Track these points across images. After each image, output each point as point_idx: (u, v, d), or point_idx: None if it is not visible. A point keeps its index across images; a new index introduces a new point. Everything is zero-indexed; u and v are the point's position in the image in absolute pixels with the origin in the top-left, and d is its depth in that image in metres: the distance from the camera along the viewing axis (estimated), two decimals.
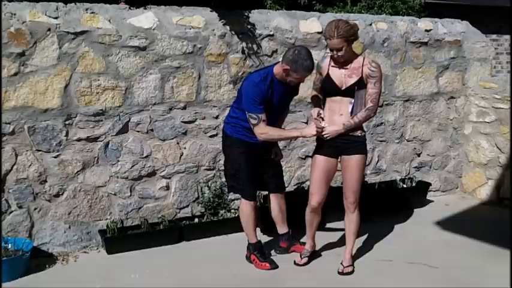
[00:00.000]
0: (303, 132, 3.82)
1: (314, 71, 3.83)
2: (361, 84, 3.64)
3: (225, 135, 3.98)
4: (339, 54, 3.56)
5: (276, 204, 4.14)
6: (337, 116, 3.69)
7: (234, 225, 4.35)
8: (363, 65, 3.64)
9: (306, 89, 4.59)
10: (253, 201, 3.95)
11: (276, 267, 3.90)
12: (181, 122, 4.54)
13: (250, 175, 3.87)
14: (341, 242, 4.20)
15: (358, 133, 3.74)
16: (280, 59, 3.76)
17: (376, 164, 5.49)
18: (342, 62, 3.65)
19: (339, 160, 3.83)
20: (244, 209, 3.95)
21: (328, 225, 4.62)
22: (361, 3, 6.08)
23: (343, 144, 3.72)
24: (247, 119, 3.71)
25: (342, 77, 3.66)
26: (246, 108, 3.71)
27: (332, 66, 3.71)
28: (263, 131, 3.71)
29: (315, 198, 3.82)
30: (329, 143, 3.74)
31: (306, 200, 3.92)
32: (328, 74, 3.72)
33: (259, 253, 3.96)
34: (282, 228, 4.20)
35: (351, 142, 3.72)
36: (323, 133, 3.68)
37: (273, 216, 4.19)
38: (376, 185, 5.37)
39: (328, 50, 3.69)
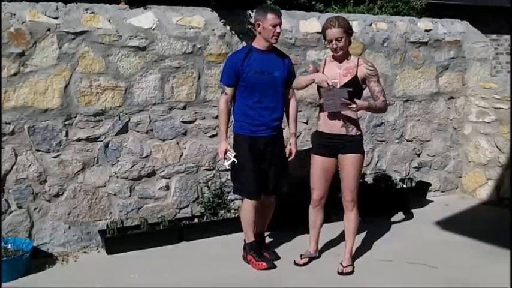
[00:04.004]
0: (221, 141, 3.91)
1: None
2: (355, 82, 3.69)
3: (233, 134, 4.00)
4: (339, 44, 3.62)
5: (264, 207, 4.07)
6: (335, 113, 3.72)
7: (234, 225, 4.36)
8: (357, 65, 3.71)
9: (307, 88, 4.58)
10: (254, 199, 3.92)
11: (273, 266, 3.90)
12: (181, 122, 4.54)
13: (252, 173, 3.85)
14: (341, 241, 4.20)
15: (353, 132, 3.77)
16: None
17: (376, 164, 5.49)
18: (338, 58, 3.71)
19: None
20: (245, 206, 3.95)
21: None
22: (363, 5, 6.07)
23: (339, 144, 3.76)
24: None
25: (337, 76, 3.72)
26: (220, 79, 3.94)
27: (331, 61, 3.77)
28: (220, 104, 3.90)
29: (316, 192, 3.87)
30: (325, 143, 3.79)
31: (305, 200, 3.92)
32: (323, 73, 3.76)
33: (255, 253, 3.95)
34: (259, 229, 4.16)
35: (347, 142, 3.76)
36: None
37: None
38: (376, 185, 5.37)
39: (326, 43, 3.72)
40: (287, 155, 4.00)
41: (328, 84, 3.60)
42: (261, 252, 3.99)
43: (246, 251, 3.99)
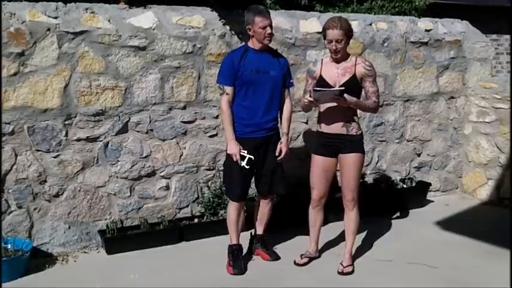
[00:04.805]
0: (230, 142, 3.80)
1: (305, 75, 3.81)
2: (354, 82, 3.68)
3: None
4: (338, 46, 3.61)
5: (261, 208, 4.09)
6: (335, 113, 3.72)
7: None
8: (355, 64, 3.71)
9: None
10: (239, 202, 3.91)
11: (240, 273, 3.83)
12: (181, 122, 4.54)
13: (239, 176, 3.83)
14: (341, 242, 4.20)
15: (354, 132, 3.76)
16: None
17: (376, 164, 5.49)
18: (337, 58, 3.70)
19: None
20: (229, 208, 3.96)
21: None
22: (366, 2, 6.05)
23: (339, 143, 3.76)
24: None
25: (335, 76, 3.72)
26: (217, 80, 3.88)
27: (329, 62, 3.76)
28: (222, 105, 3.82)
29: (316, 192, 3.87)
30: (325, 142, 3.79)
31: (305, 200, 3.92)
32: (321, 75, 3.77)
33: (232, 256, 3.92)
34: (259, 229, 4.17)
35: (347, 141, 3.75)
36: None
37: (254, 216, 4.17)
38: (376, 185, 5.36)
39: (326, 42, 3.70)
40: (276, 154, 3.91)
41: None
42: (237, 257, 3.93)
43: (228, 252, 3.96)
